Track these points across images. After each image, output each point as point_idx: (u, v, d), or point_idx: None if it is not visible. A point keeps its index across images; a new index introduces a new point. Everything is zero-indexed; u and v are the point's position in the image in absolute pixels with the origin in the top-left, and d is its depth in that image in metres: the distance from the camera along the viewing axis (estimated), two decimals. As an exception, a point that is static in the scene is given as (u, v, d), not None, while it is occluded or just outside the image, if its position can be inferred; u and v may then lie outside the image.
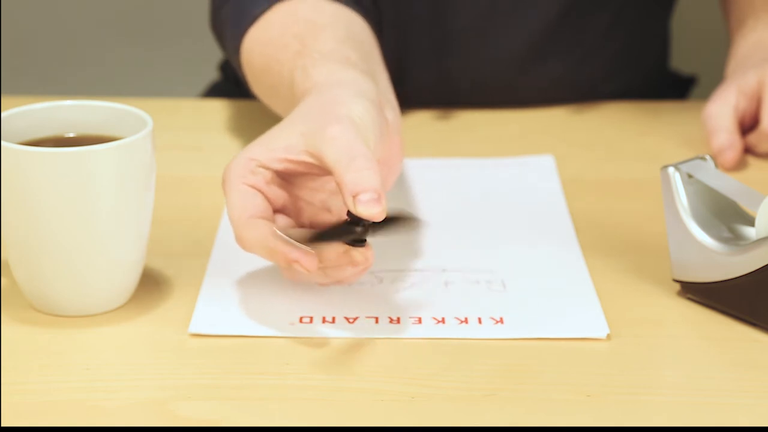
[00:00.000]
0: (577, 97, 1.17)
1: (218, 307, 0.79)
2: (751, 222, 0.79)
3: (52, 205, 0.74)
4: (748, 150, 1.05)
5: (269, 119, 0.97)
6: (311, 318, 0.78)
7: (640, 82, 1.22)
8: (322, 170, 0.77)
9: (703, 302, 0.80)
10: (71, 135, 0.80)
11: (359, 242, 0.74)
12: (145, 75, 1.87)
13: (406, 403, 0.69)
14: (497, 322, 0.78)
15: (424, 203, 0.95)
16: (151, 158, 0.77)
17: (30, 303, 0.79)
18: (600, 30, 1.17)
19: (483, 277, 0.83)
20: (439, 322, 0.78)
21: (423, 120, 1.13)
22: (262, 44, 0.96)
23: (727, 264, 0.77)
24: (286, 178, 0.78)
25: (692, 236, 0.79)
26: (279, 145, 0.77)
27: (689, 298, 0.81)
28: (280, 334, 0.76)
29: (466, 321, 0.78)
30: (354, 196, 0.71)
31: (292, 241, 0.74)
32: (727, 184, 0.79)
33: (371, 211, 0.71)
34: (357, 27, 0.95)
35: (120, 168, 0.75)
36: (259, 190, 0.77)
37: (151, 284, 0.81)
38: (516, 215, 0.93)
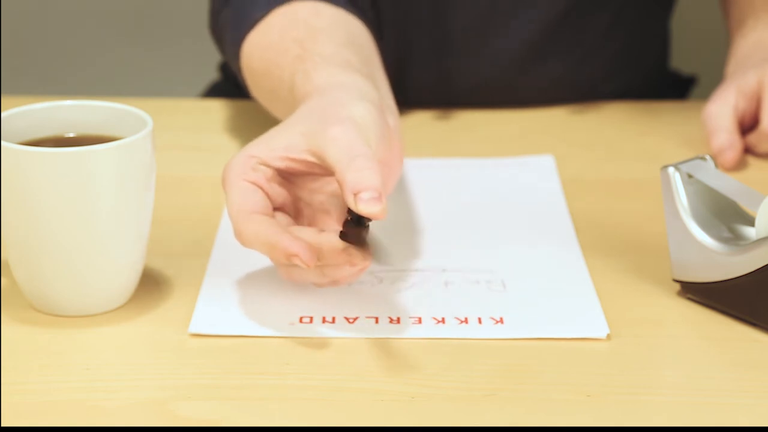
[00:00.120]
0: (577, 97, 1.17)
1: (218, 307, 0.79)
2: (751, 222, 0.79)
3: (52, 205, 0.74)
4: (748, 150, 1.05)
5: (269, 119, 0.97)
6: (311, 318, 0.78)
7: (640, 82, 1.22)
8: (322, 170, 0.77)
9: (703, 302, 0.80)
10: (71, 135, 0.80)
11: (359, 241, 0.74)
12: (145, 75, 1.87)
13: (406, 403, 0.69)
14: (497, 322, 0.78)
15: (424, 203, 0.95)
16: (151, 158, 0.77)
17: (30, 303, 0.79)
18: (600, 30, 1.17)
19: (483, 277, 0.83)
20: (439, 322, 0.78)
21: (423, 120, 1.13)
22: (261, 48, 0.96)
23: (727, 264, 0.77)
24: (286, 178, 0.79)
25: (692, 236, 0.79)
26: (280, 144, 0.77)
27: (689, 298, 0.81)
28: (280, 334, 0.76)
29: (466, 321, 0.78)
30: (355, 195, 0.71)
31: (293, 233, 0.74)
32: (727, 184, 0.79)
33: (372, 209, 0.71)
34: (357, 31, 0.95)
35: (120, 168, 0.75)
36: (260, 187, 0.77)
37: (151, 284, 0.81)
38: (516, 215, 0.93)
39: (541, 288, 0.82)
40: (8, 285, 0.81)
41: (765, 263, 0.74)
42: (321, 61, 0.87)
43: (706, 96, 1.09)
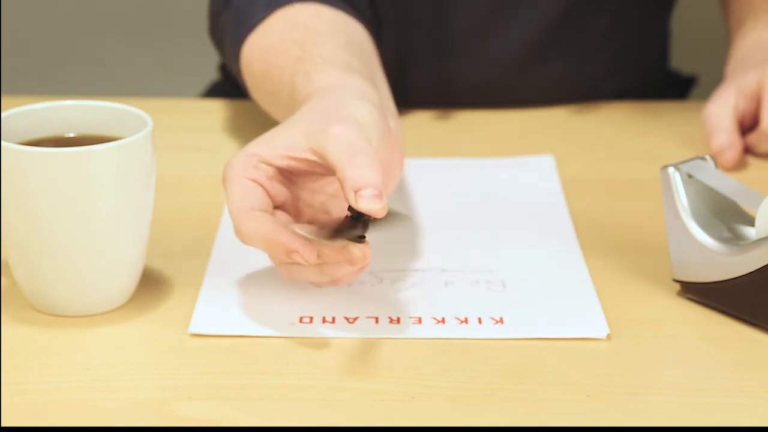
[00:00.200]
0: (577, 97, 1.17)
1: (218, 307, 0.79)
2: (751, 222, 0.79)
3: (52, 205, 0.74)
4: (748, 150, 1.05)
5: (269, 120, 0.97)
6: (311, 318, 0.78)
7: (640, 82, 1.22)
8: (324, 168, 0.77)
9: (703, 302, 0.80)
10: (71, 135, 0.80)
11: (359, 239, 0.74)
12: (145, 75, 1.87)
13: (406, 403, 0.69)
14: (497, 322, 0.78)
15: (424, 203, 0.95)
16: (151, 158, 0.77)
17: (30, 303, 0.79)
18: (600, 30, 1.17)
19: (483, 277, 0.83)
20: (439, 322, 0.78)
21: (423, 120, 1.13)
22: (261, 50, 0.96)
23: (727, 264, 0.77)
24: (287, 177, 0.78)
25: (692, 236, 0.79)
26: (281, 143, 0.77)
27: (689, 298, 0.81)
28: (280, 334, 0.76)
29: (466, 321, 0.78)
30: (355, 192, 0.71)
31: (293, 230, 0.74)
32: (727, 184, 0.79)
33: (372, 206, 0.71)
34: (356, 33, 0.95)
35: (120, 168, 0.75)
36: (261, 185, 0.76)
37: (151, 284, 0.81)
38: (516, 215, 0.93)
39: (541, 288, 0.82)
40: (8, 285, 0.81)
41: (765, 263, 0.74)
42: (322, 62, 0.87)
43: (706, 96, 1.09)
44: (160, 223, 0.82)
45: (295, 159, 0.77)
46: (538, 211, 0.94)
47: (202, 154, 1.05)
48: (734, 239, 0.79)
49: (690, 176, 0.80)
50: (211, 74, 1.37)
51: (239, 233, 0.75)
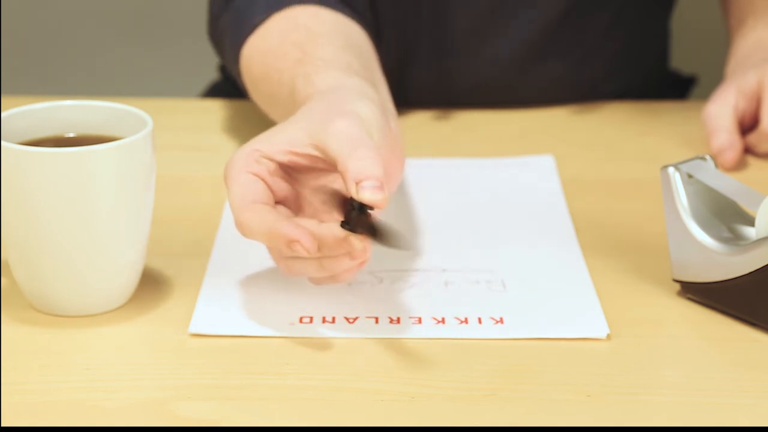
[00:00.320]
0: (577, 97, 1.17)
1: (218, 307, 0.79)
2: (751, 222, 0.79)
3: (52, 205, 0.74)
4: (748, 150, 1.05)
5: (269, 120, 0.97)
6: (311, 318, 0.78)
7: (640, 82, 1.22)
8: (325, 164, 0.77)
9: (703, 302, 0.80)
10: (71, 135, 0.80)
11: (360, 231, 0.74)
12: (145, 75, 1.87)
13: (406, 403, 0.69)
14: (497, 322, 0.78)
15: (424, 203, 0.95)
16: (151, 158, 0.77)
17: (30, 303, 0.79)
18: (600, 30, 1.17)
19: (483, 277, 0.83)
20: (439, 322, 0.78)
21: (423, 120, 1.13)
22: (261, 52, 0.96)
23: (727, 264, 0.77)
24: (289, 173, 0.78)
25: (692, 236, 0.79)
26: (283, 138, 0.77)
27: (689, 298, 0.81)
28: (280, 334, 0.76)
29: (466, 321, 0.78)
30: (357, 183, 0.71)
31: (294, 221, 0.74)
32: (727, 184, 0.79)
33: (374, 197, 0.71)
34: (356, 35, 0.96)
35: (120, 168, 0.75)
36: (262, 179, 0.76)
37: (151, 284, 0.81)
38: (516, 215, 0.93)
39: (541, 288, 0.82)
40: (8, 285, 0.81)
41: (765, 263, 0.74)
42: (323, 64, 0.87)
43: (706, 96, 1.09)
44: (160, 223, 0.82)
45: (296, 154, 0.77)
46: (538, 211, 0.94)
47: (202, 154, 1.05)
48: (734, 239, 0.79)
49: (690, 176, 0.80)
50: (211, 74, 1.37)
51: (240, 226, 0.75)
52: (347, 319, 0.78)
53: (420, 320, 0.78)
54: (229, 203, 0.76)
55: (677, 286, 0.82)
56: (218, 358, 0.74)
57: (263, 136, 0.78)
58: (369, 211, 0.73)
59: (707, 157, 0.81)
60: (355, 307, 0.79)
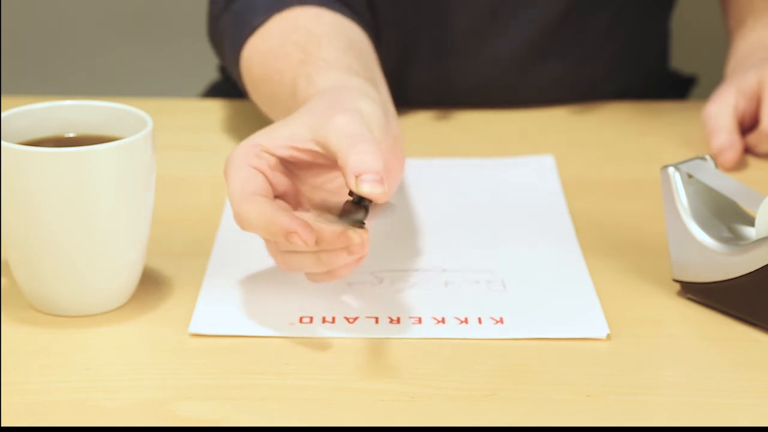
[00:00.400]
0: (577, 97, 1.17)
1: (218, 307, 0.79)
2: (751, 222, 0.79)
3: (52, 205, 0.74)
4: (748, 150, 1.05)
5: (269, 120, 0.97)
6: (311, 318, 0.78)
7: (640, 82, 1.22)
8: (326, 159, 0.77)
9: (703, 302, 0.80)
10: (71, 135, 0.80)
11: (359, 224, 0.74)
12: (145, 75, 1.87)
13: (406, 403, 0.69)
14: (497, 322, 0.78)
15: (424, 203, 0.95)
16: (151, 158, 0.77)
17: (30, 303, 0.79)
18: (600, 30, 1.17)
19: (483, 277, 0.83)
20: (439, 322, 0.78)
21: (423, 120, 1.13)
22: (261, 54, 0.96)
23: (727, 264, 0.77)
24: (289, 169, 0.78)
25: (692, 236, 0.79)
26: (284, 133, 0.77)
27: (689, 298, 0.81)
28: (280, 334, 0.76)
29: (466, 321, 0.78)
30: (357, 176, 0.71)
31: (292, 214, 0.74)
32: (727, 184, 0.79)
33: (374, 190, 0.71)
34: (356, 37, 0.96)
35: (120, 168, 0.75)
36: (262, 173, 0.76)
37: (151, 284, 0.81)
38: (516, 215, 0.93)
39: (541, 288, 0.82)
40: (8, 285, 0.81)
41: (765, 263, 0.74)
42: (324, 65, 0.87)
43: (706, 96, 1.09)
44: (160, 223, 0.82)
45: (297, 149, 0.77)
46: (538, 211, 0.94)
47: (202, 154, 1.05)
48: (734, 239, 0.79)
49: (690, 176, 0.80)
50: (211, 74, 1.37)
51: (238, 217, 0.75)
52: (347, 319, 0.78)
53: (420, 320, 0.78)
54: (229, 195, 0.76)
55: (677, 286, 0.82)
56: (218, 358, 0.74)
57: (265, 131, 0.78)
58: (368, 203, 0.73)
59: (707, 157, 0.81)
60: (355, 307, 0.79)
